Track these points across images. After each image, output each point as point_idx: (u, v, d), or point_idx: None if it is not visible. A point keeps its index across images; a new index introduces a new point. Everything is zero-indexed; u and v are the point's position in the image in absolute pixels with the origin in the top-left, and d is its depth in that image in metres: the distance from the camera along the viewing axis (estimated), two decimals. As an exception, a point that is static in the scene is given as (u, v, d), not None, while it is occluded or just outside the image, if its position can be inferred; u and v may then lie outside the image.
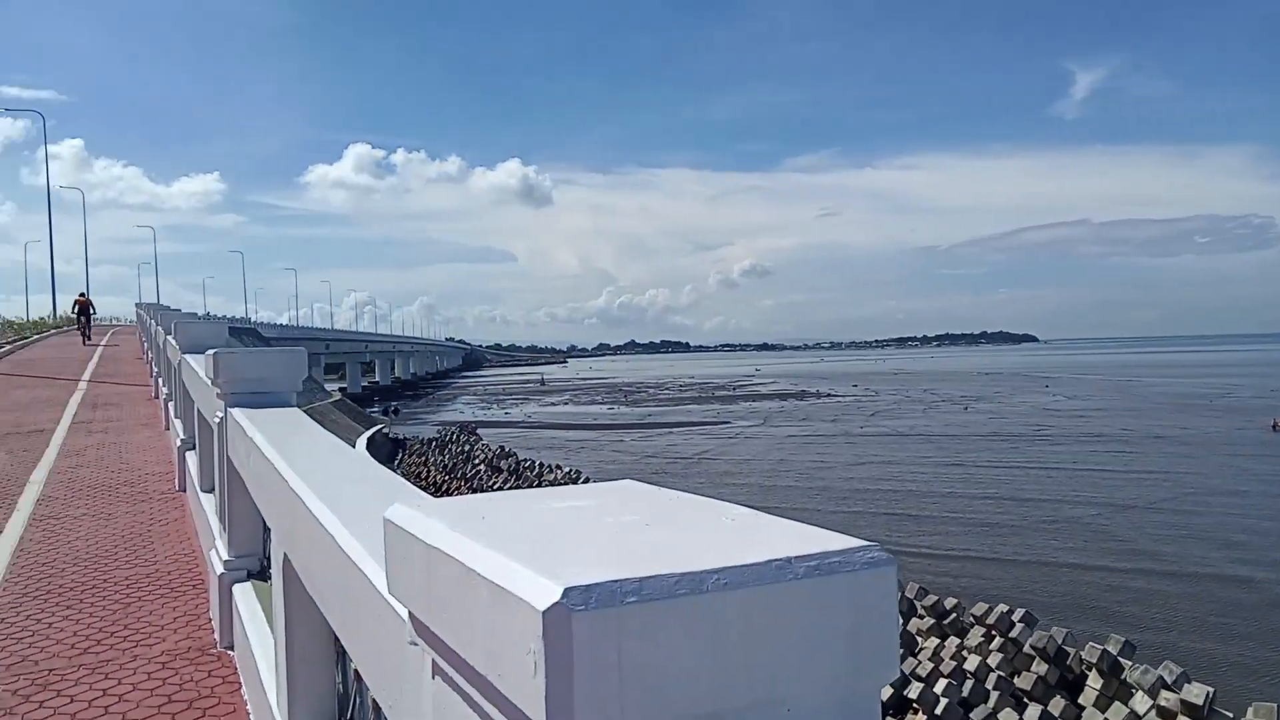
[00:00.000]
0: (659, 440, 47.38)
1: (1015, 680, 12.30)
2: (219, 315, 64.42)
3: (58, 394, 17.65)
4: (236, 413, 4.02)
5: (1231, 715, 10.88)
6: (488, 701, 0.99)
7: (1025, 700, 11.99)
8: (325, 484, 2.40)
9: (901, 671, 12.18)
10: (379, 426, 43.12)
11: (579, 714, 0.80)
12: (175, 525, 7.37)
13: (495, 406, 78.95)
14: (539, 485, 28.08)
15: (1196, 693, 10.75)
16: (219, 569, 4.44)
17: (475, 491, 29.07)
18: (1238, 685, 13.85)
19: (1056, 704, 11.73)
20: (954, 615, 14.13)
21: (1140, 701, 11.12)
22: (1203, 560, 21.73)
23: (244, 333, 57.63)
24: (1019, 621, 12.99)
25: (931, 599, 14.59)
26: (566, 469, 29.99)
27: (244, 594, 4.11)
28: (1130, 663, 11.68)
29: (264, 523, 3.88)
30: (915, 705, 12.04)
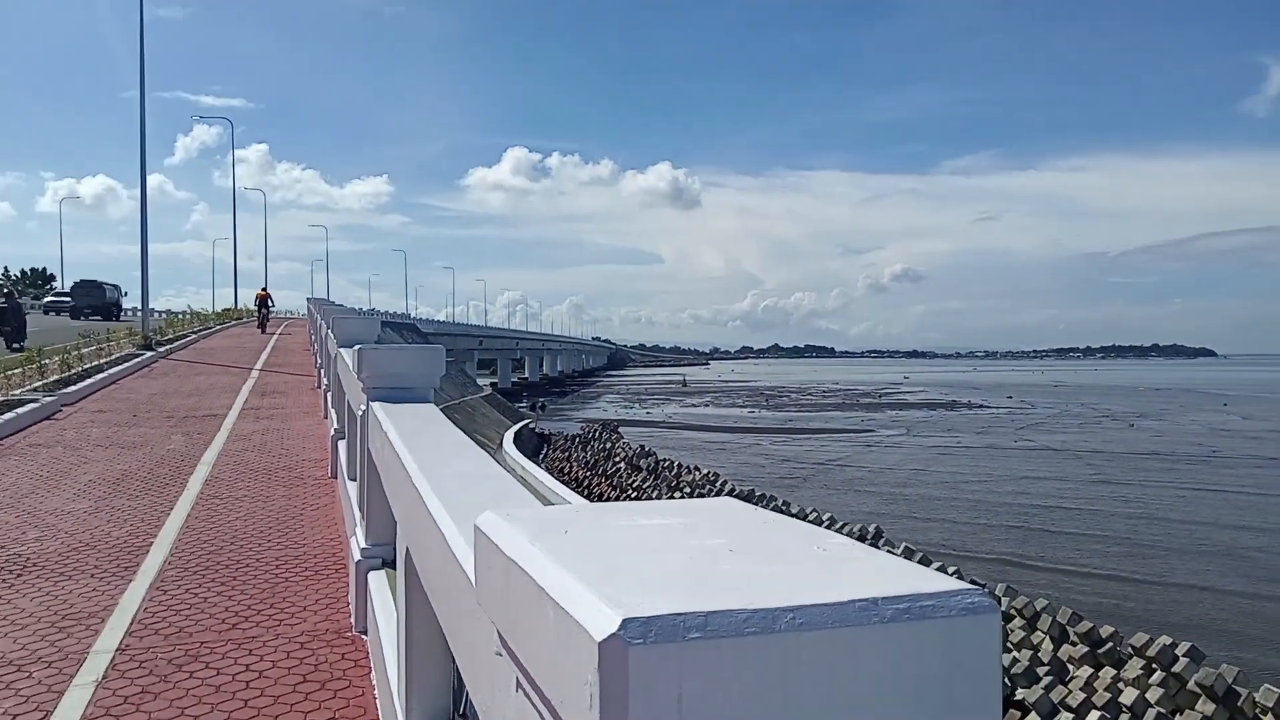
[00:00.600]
0: (797, 445, 46.65)
1: (1176, 719, 11.45)
2: (382, 311, 67.78)
3: (233, 381, 18.92)
4: (376, 406, 4.16)
5: None
6: (559, 726, 0.95)
7: (1188, 742, 11.15)
8: (445, 482, 2.44)
9: (1050, 700, 11.56)
10: (526, 421, 44.25)
11: (634, 753, 0.75)
12: (325, 510, 7.75)
13: (637, 405, 79.70)
14: (678, 485, 28.12)
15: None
16: (356, 555, 4.62)
17: (616, 488, 29.37)
18: None
19: (1224, 749, 10.85)
20: (1110, 644, 13.29)
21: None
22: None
23: (404, 328, 60.32)
24: (1183, 656, 12.08)
25: (1086, 625, 13.76)
26: (705, 470, 29.92)
27: (378, 581, 4.26)
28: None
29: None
30: (1063, 738, 11.37)
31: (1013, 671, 12.19)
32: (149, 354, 23.11)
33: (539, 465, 27.15)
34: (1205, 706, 11.38)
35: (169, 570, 5.97)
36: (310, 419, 13.61)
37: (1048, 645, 13.49)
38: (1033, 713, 11.47)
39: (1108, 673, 12.67)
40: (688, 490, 27.23)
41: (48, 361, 17.28)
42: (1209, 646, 13.51)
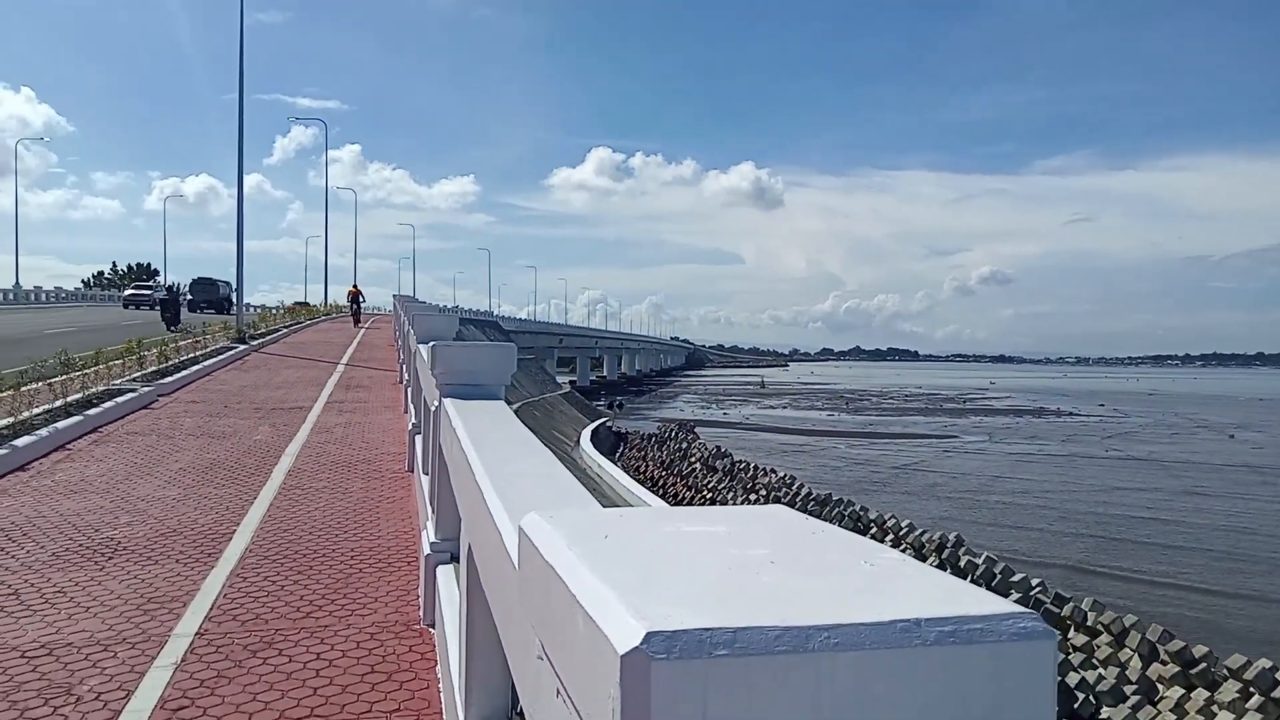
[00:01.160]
0: (875, 449, 45.84)
1: (1275, 747, 10.89)
2: (464, 308, 69.01)
3: (319, 375, 19.45)
4: (448, 402, 4.21)
5: None
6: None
7: (1287, 772, 10.58)
8: (507, 480, 2.43)
9: (1136, 721, 11.10)
10: (603, 419, 44.52)
11: (655, 772, 0.72)
12: (400, 504, 7.89)
13: (714, 406, 79.36)
14: (753, 487, 27.89)
15: None
16: (426, 550, 4.68)
17: (691, 489, 29.27)
18: None
19: (1326, 781, 10.27)
20: (1203, 665, 12.70)
21: None
22: None
23: (486, 325, 61.30)
24: (1283, 681, 11.47)
25: (1177, 644, 13.17)
26: (781, 473, 29.62)
27: (445, 575, 4.30)
28: None
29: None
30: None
31: (1098, 689, 11.75)
32: (242, 347, 23.92)
33: (615, 463, 27.27)
34: (1307, 735, 10.80)
35: (249, 558, 6.15)
36: (391, 413, 13.90)
37: (1136, 663, 12.96)
38: (1118, 733, 11.04)
39: (1200, 694, 12.12)
40: (763, 493, 27.00)
41: (146, 353, 18.01)
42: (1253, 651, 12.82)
